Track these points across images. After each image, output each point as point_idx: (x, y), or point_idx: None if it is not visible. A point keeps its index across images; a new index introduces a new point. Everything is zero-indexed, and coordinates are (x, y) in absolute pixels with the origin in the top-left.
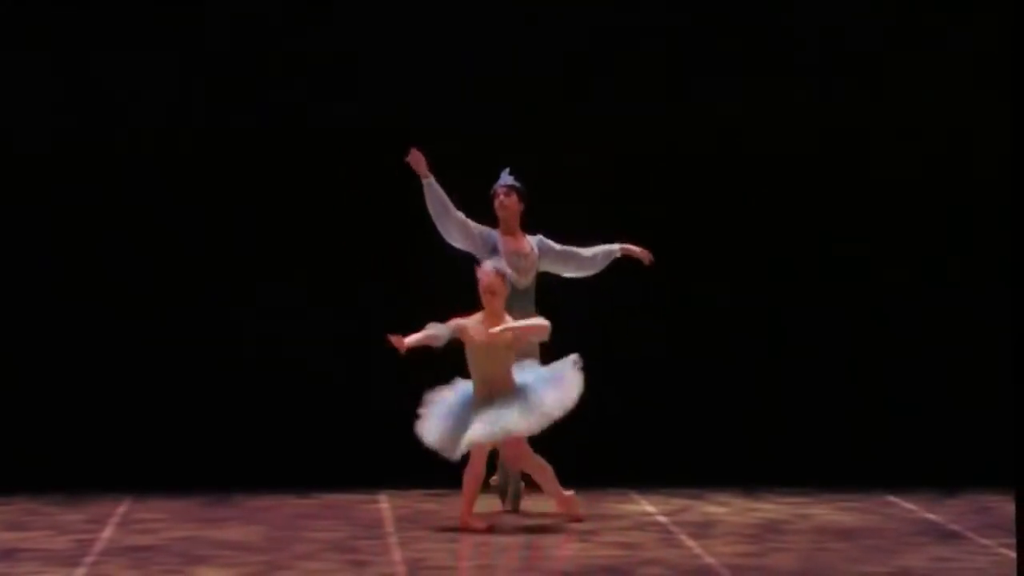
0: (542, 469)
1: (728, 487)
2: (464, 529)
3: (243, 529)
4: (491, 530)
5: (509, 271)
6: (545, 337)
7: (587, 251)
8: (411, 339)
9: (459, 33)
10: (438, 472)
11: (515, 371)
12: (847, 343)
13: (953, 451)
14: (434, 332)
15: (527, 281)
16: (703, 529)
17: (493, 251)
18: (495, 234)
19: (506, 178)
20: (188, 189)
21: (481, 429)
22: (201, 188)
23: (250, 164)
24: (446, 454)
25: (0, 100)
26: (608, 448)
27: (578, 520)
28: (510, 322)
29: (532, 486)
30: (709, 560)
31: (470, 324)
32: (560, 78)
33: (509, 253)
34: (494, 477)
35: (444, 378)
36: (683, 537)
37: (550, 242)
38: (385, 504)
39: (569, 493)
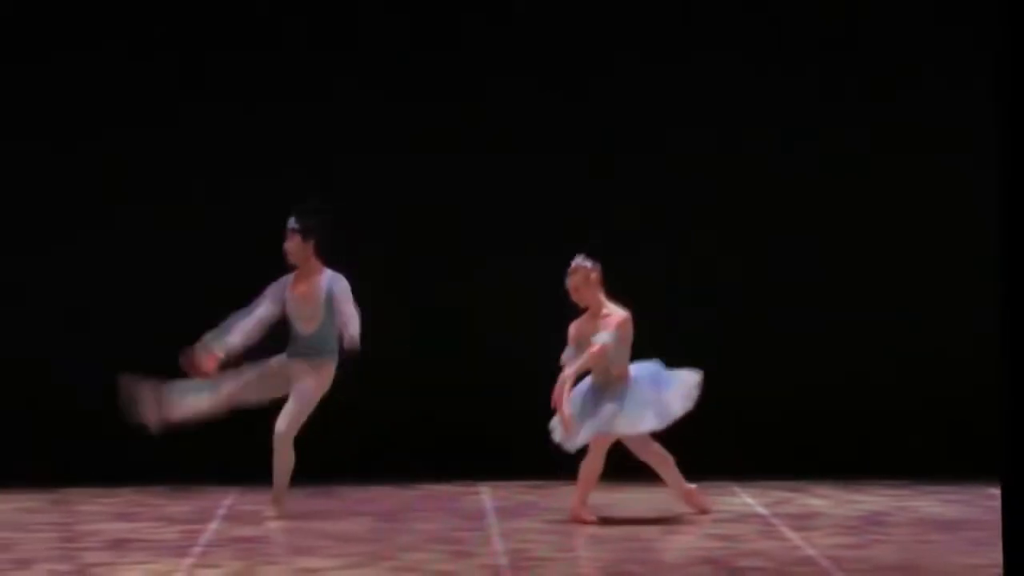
0: (663, 461)
1: (829, 479)
2: (575, 521)
3: (347, 520)
4: (599, 523)
5: (584, 263)
6: (604, 358)
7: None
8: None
9: None
10: (538, 464)
11: (634, 367)
12: (946, 335)
13: None
14: (570, 360)
15: (312, 328)
16: (804, 521)
17: (283, 302)
18: (287, 282)
19: (290, 221)
20: None
21: (592, 427)
22: None
23: None
24: (564, 446)
25: None
26: (709, 441)
27: (704, 512)
28: (607, 330)
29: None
30: (810, 552)
31: (579, 321)
32: None
33: (292, 299)
34: None
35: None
36: (784, 529)
37: (341, 289)
38: (486, 495)
39: (691, 486)
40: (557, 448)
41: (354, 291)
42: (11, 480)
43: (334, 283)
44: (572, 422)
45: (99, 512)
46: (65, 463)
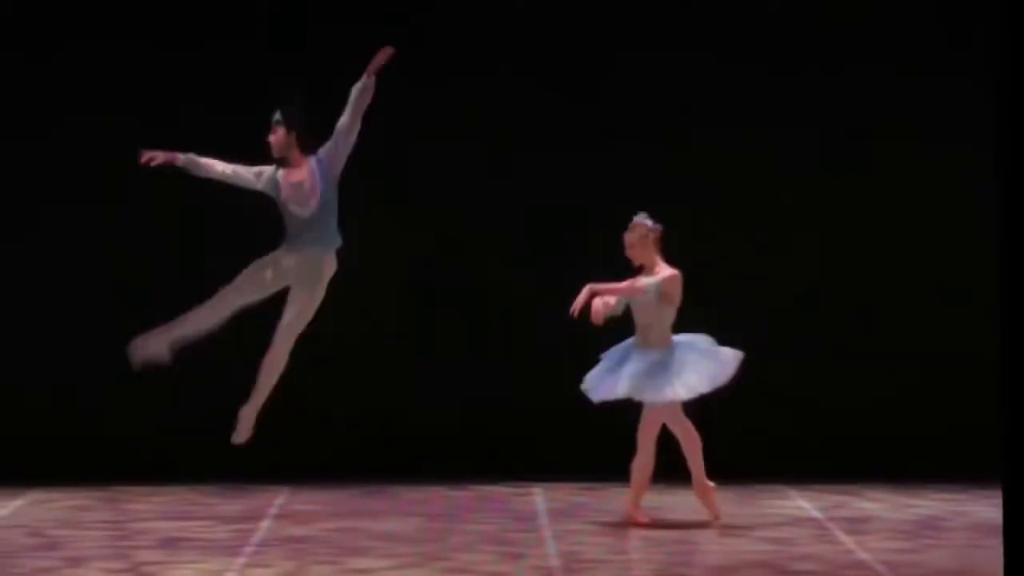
0: (691, 438)
1: (883, 483)
2: (628, 522)
3: (399, 521)
4: (652, 524)
5: (645, 221)
6: (638, 294)
7: (344, 115)
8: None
9: None
10: (591, 465)
11: (677, 337)
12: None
13: None
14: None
15: (310, 209)
16: (858, 525)
17: (276, 190)
18: (277, 173)
19: (275, 115)
20: None
21: (622, 386)
22: None
23: None
24: (588, 394)
25: None
26: (763, 444)
27: (715, 517)
28: (654, 277)
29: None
30: (864, 556)
31: (631, 282)
32: None
33: (287, 186)
34: None
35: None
36: (838, 533)
37: (324, 148)
38: (539, 497)
39: (710, 484)
40: (585, 400)
41: (407, 288)
42: (64, 478)
43: (321, 157)
44: (598, 311)
45: (151, 511)
46: (117, 461)
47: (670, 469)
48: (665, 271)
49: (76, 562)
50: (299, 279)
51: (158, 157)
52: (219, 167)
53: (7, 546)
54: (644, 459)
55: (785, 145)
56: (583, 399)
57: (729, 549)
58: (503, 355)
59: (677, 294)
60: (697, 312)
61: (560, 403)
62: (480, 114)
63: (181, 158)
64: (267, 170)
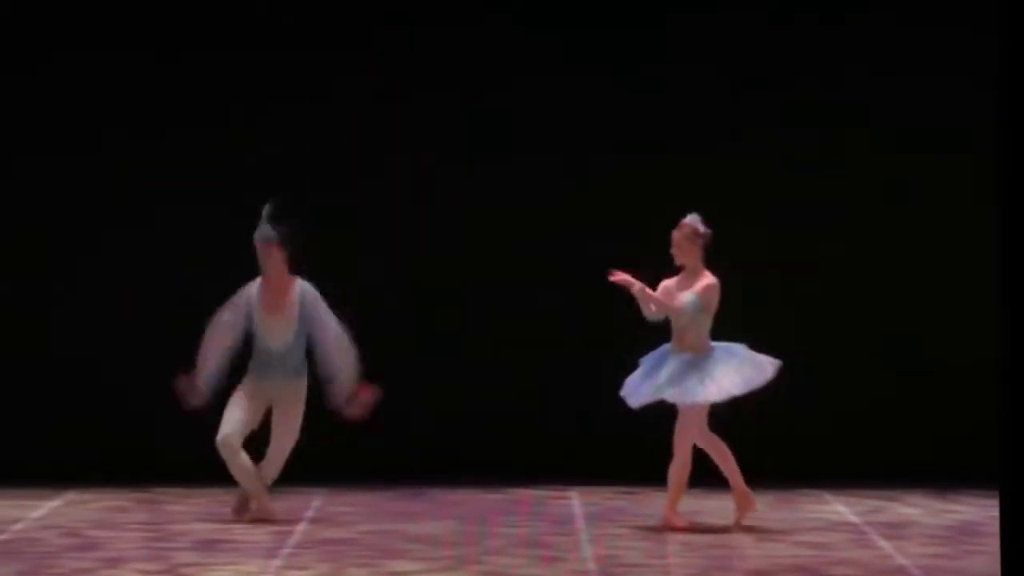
0: (719, 450)
1: (921, 488)
2: (666, 526)
3: (435, 523)
4: (690, 529)
5: (696, 222)
6: (678, 313)
7: (325, 354)
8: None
9: None
10: (628, 469)
11: (716, 343)
12: None
13: None
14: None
15: (286, 340)
16: (896, 530)
17: (250, 318)
18: (253, 292)
19: (264, 230)
20: None
21: (655, 388)
22: None
23: None
24: (627, 399)
25: None
26: (802, 449)
27: (740, 519)
28: (691, 290)
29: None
30: (902, 561)
31: (673, 280)
32: None
33: (261, 321)
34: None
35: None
36: (875, 538)
37: (317, 305)
38: (576, 500)
39: (752, 498)
40: (622, 404)
41: (442, 290)
42: (101, 479)
43: (305, 293)
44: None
45: (188, 512)
46: (154, 462)
47: (709, 475)
48: (704, 279)
49: (113, 563)
50: (284, 403)
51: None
52: (217, 345)
53: (44, 546)
54: (680, 463)
55: (785, 145)
56: (621, 402)
57: (767, 553)
58: (541, 358)
59: (715, 303)
60: (731, 316)
61: (597, 406)
62: (489, 114)
63: (203, 383)
64: (240, 302)
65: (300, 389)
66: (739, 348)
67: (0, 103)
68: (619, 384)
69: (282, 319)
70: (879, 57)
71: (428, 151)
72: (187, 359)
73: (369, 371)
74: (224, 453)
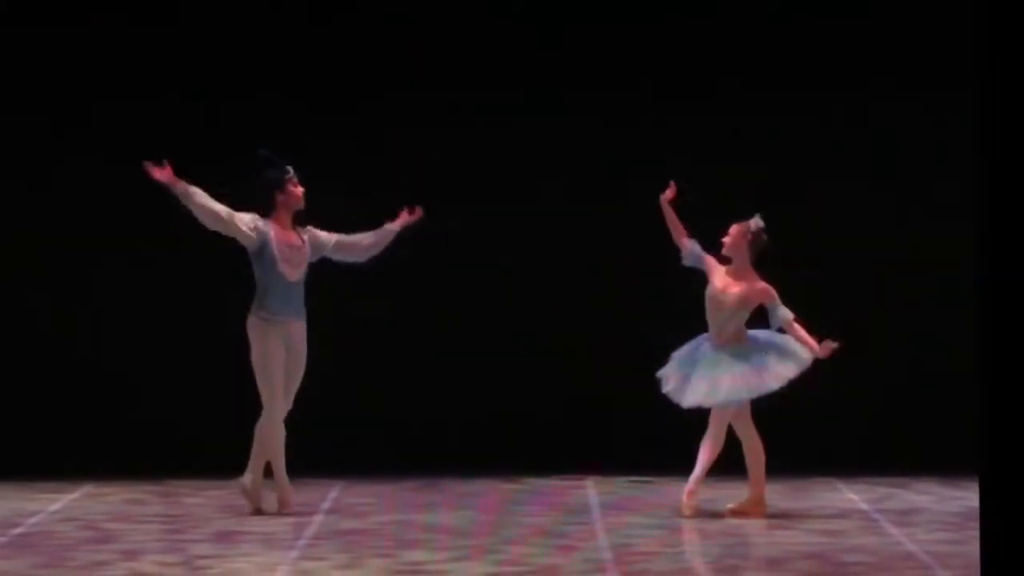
0: (753, 448)
1: (932, 475)
2: (680, 505)
3: (452, 514)
4: (696, 515)
5: (759, 226)
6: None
7: (362, 238)
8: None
9: None
10: (644, 458)
11: (753, 332)
12: None
13: None
14: (687, 242)
15: (299, 274)
16: (906, 517)
17: (265, 243)
18: (268, 226)
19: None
20: None
21: (699, 393)
22: None
23: None
24: (672, 397)
25: None
26: (812, 436)
27: (734, 511)
28: (759, 290)
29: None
30: (912, 548)
31: (718, 268)
32: None
33: (282, 246)
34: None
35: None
36: (886, 525)
37: (319, 233)
38: (592, 490)
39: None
40: (640, 393)
41: (458, 283)
42: (118, 471)
43: (309, 230)
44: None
45: (205, 504)
46: (171, 454)
47: (724, 462)
48: (760, 282)
49: (131, 555)
50: (292, 350)
51: (161, 174)
52: (214, 205)
53: (62, 539)
54: (716, 437)
55: (787, 145)
56: (636, 391)
57: (780, 541)
58: (557, 347)
59: (755, 304)
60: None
61: (614, 395)
62: (507, 118)
63: (180, 186)
64: (259, 222)
65: (305, 329)
66: (778, 338)
67: (43, 112)
68: (636, 373)
69: (299, 253)
70: (877, 57)
71: (430, 154)
72: (205, 351)
73: (387, 364)
74: (272, 436)
